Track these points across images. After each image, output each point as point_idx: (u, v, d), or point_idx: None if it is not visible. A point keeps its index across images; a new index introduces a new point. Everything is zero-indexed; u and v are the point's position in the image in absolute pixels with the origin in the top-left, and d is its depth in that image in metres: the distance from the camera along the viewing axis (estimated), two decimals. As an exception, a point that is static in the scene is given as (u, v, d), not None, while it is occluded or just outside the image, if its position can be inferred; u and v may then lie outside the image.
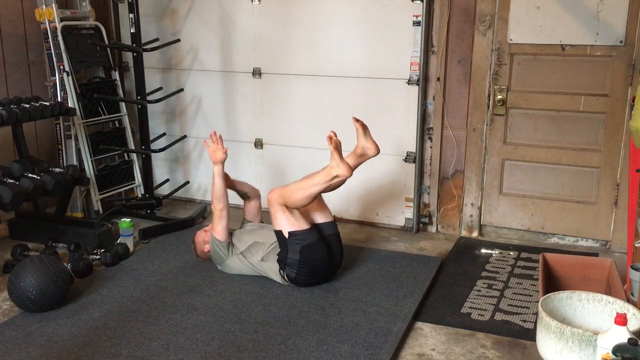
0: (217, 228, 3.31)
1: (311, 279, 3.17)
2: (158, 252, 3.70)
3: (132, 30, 4.14)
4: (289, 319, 2.86)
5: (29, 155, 3.98)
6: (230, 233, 3.40)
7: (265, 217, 3.70)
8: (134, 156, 4.61)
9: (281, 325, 2.80)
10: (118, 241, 3.72)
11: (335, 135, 3.08)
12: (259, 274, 3.30)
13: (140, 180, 4.58)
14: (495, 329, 2.83)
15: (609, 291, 2.98)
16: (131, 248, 3.71)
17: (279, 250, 3.20)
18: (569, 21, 3.62)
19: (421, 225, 4.20)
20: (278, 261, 3.20)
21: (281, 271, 3.19)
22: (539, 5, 3.66)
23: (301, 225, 3.12)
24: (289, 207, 3.11)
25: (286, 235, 3.12)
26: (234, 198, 4.47)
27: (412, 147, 4.04)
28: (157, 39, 4.43)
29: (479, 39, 3.82)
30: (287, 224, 3.11)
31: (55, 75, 4.19)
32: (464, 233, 4.12)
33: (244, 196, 3.68)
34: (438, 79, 3.93)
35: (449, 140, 4.03)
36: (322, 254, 3.15)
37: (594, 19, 3.56)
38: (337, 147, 3.04)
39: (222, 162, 3.38)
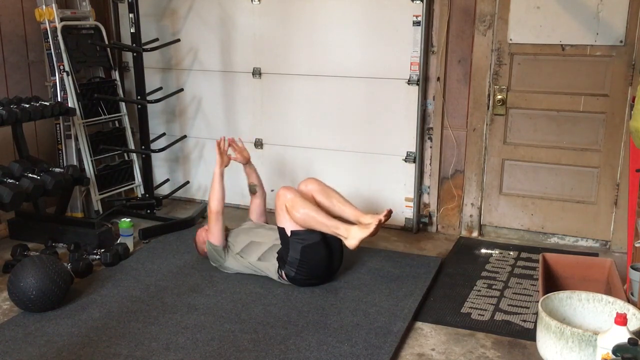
0: (213, 231, 3.32)
1: (310, 279, 3.17)
2: (158, 252, 3.70)
3: (132, 30, 4.14)
4: (289, 319, 2.86)
5: (29, 155, 3.98)
6: (226, 233, 3.40)
7: (270, 218, 3.70)
8: (134, 156, 4.60)
9: (281, 325, 2.80)
10: (118, 241, 3.72)
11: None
12: (257, 273, 3.30)
13: (140, 180, 4.58)
14: (495, 329, 2.83)
15: (609, 291, 2.98)
16: (131, 248, 3.71)
17: (279, 249, 3.21)
18: (569, 21, 3.62)
19: (421, 225, 4.20)
20: (278, 259, 3.20)
21: (280, 270, 3.19)
22: (539, 5, 3.66)
23: None
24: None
25: (288, 234, 3.13)
26: (234, 198, 4.50)
27: (412, 147, 4.04)
28: (157, 39, 4.42)
29: (479, 39, 3.82)
30: (290, 222, 3.12)
31: (55, 75, 4.19)
32: (464, 233, 4.12)
33: (253, 189, 3.67)
34: (438, 79, 3.93)
35: (449, 140, 4.03)
36: (323, 255, 3.15)
37: (594, 19, 3.56)
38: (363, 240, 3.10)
39: (225, 166, 3.44)
